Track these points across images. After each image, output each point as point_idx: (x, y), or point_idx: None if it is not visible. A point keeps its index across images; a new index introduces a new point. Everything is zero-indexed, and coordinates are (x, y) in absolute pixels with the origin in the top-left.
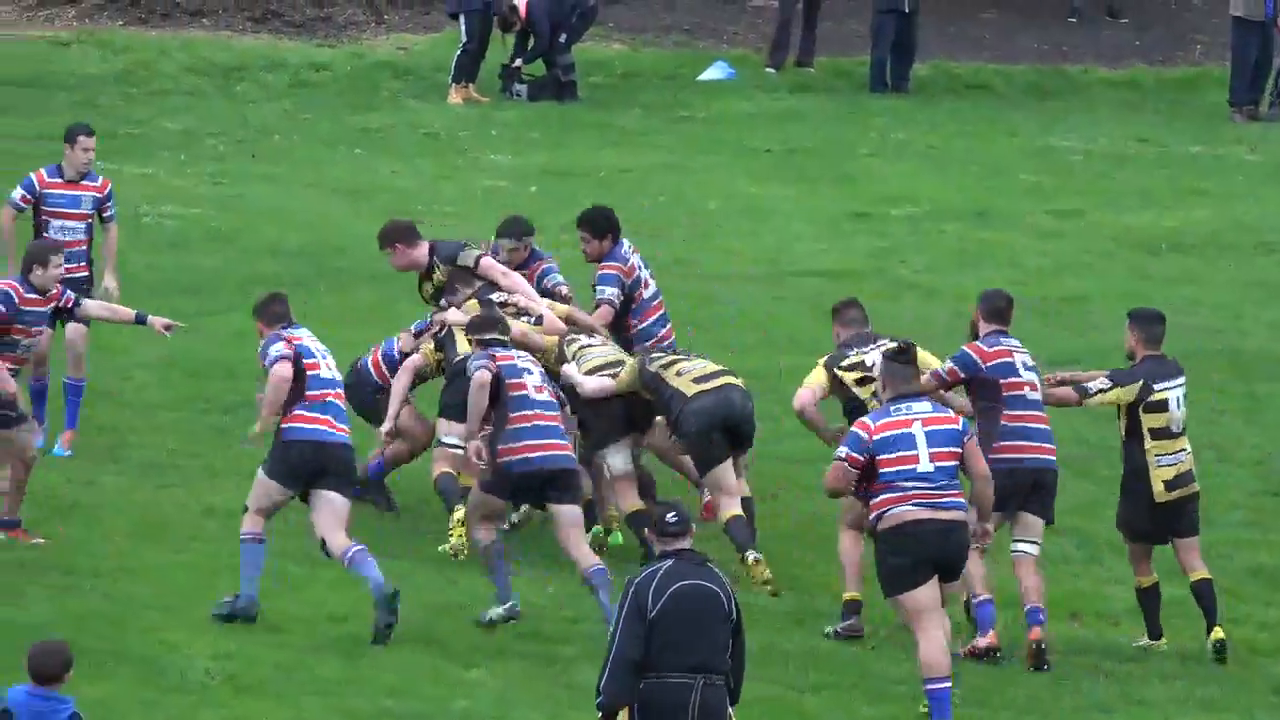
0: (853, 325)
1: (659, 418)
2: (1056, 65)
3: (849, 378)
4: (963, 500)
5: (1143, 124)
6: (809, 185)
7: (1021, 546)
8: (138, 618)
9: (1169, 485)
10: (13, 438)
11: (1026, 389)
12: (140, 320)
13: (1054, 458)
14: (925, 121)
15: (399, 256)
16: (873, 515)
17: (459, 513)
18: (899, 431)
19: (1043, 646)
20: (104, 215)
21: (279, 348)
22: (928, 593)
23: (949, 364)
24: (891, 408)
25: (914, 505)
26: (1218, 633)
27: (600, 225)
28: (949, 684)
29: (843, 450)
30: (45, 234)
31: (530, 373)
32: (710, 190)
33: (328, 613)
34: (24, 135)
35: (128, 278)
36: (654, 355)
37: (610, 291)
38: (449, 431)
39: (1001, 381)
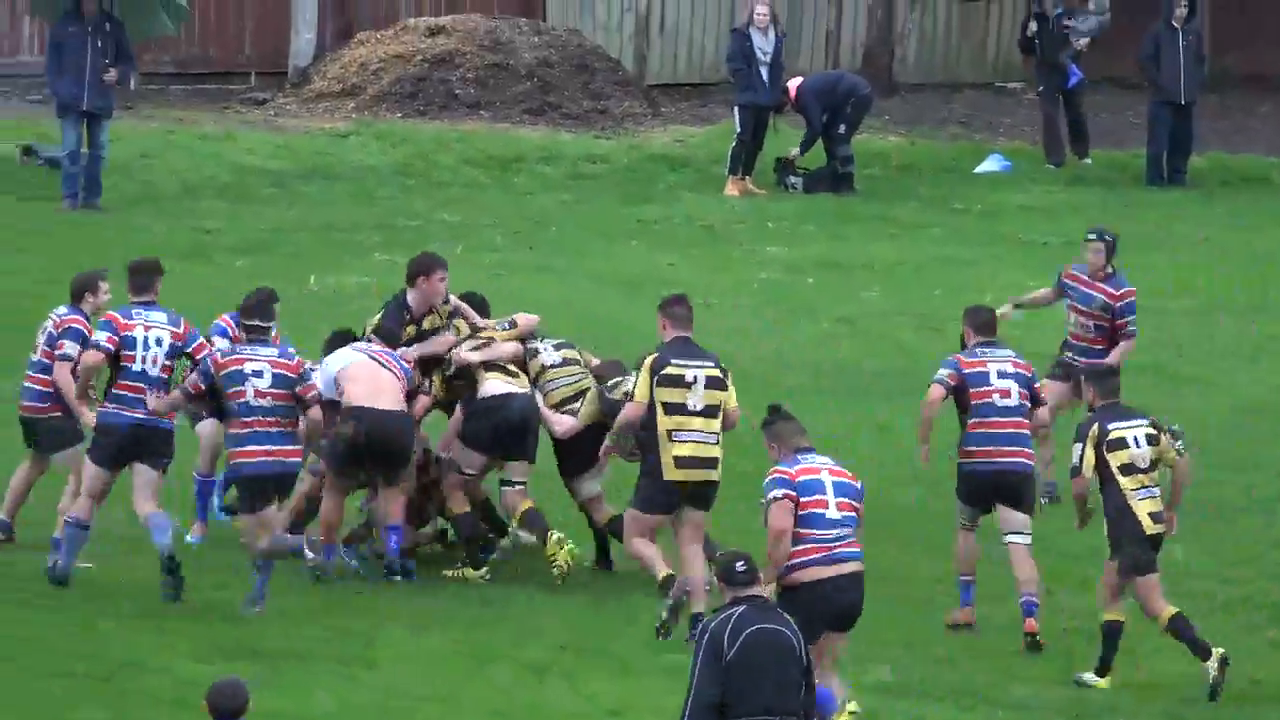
0: (679, 324)
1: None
2: None
3: (662, 396)
4: (859, 550)
5: None
6: None
7: (1012, 538)
8: (418, 709)
9: (1154, 518)
10: (78, 453)
11: (995, 396)
12: None
13: (1023, 460)
14: (1202, 214)
15: (440, 283)
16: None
17: (555, 535)
18: (813, 477)
19: (1037, 638)
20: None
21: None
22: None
23: (945, 371)
24: (800, 456)
25: (817, 561)
26: (1217, 652)
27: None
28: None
29: (778, 492)
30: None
31: (259, 375)
32: (986, 283)
33: (605, 706)
34: (309, 226)
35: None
36: (612, 382)
37: None
38: (469, 463)
39: (971, 390)
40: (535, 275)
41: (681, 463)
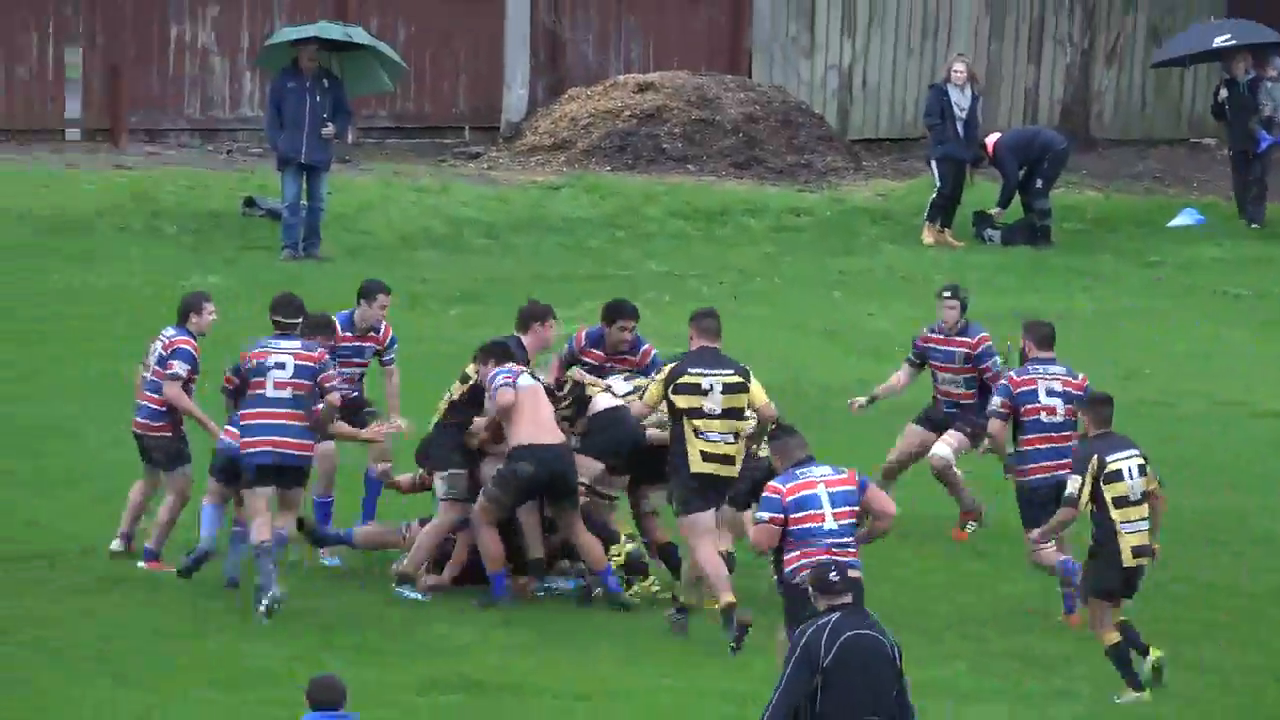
0: (706, 335)
1: None
2: None
3: (680, 402)
4: (859, 560)
5: None
6: (1277, 330)
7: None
8: None
9: (1135, 551)
10: (185, 474)
11: (1042, 413)
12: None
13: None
14: None
15: (554, 330)
16: (788, 569)
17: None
18: (808, 493)
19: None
20: (384, 360)
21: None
22: None
23: (998, 400)
24: (797, 471)
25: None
26: (1155, 652)
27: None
28: None
29: (764, 514)
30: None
31: (282, 368)
32: (1179, 333)
33: None
34: (518, 277)
35: None
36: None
37: None
38: (600, 479)
39: (1021, 408)
40: (739, 324)
41: (706, 457)
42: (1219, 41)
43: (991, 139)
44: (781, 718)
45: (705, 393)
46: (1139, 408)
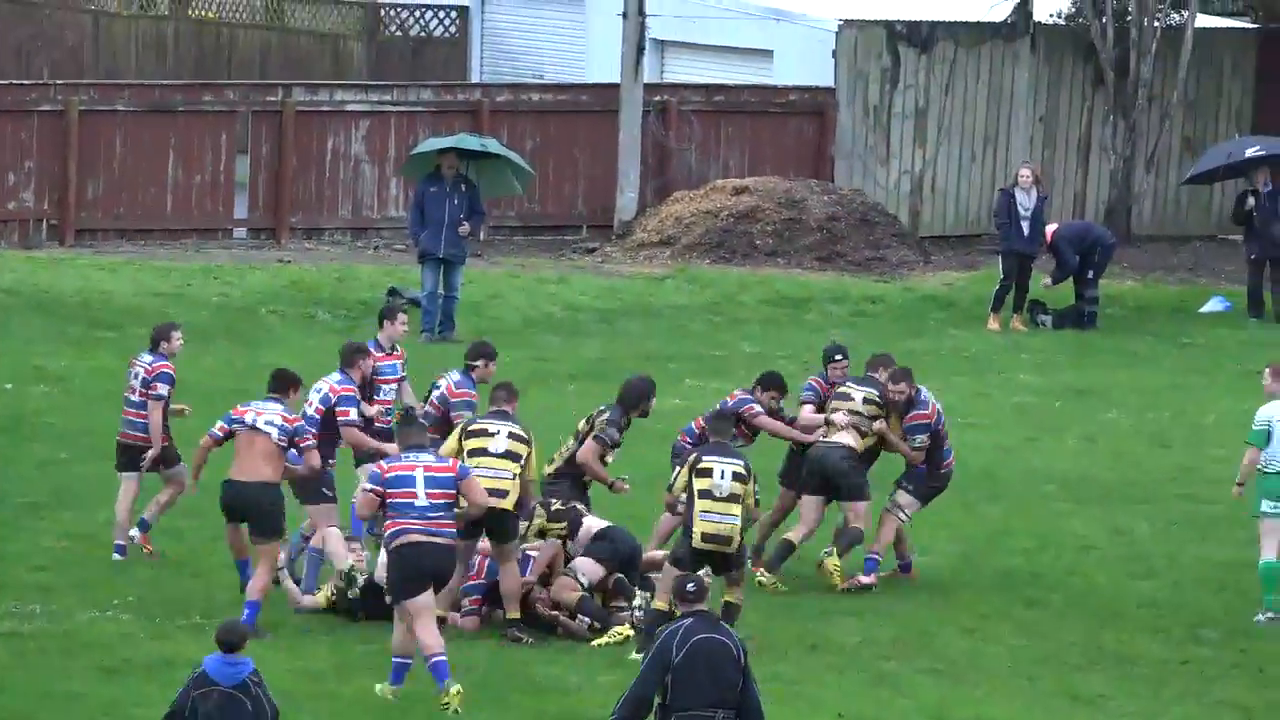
0: (495, 401)
1: None
2: None
3: (469, 445)
4: (453, 529)
5: None
6: None
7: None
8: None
9: (705, 537)
10: (177, 473)
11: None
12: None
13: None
14: None
15: None
16: (386, 534)
17: None
18: (403, 473)
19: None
20: (402, 376)
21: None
22: (425, 598)
23: (920, 437)
24: (403, 456)
25: (416, 531)
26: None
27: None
28: (444, 655)
29: (366, 485)
30: (375, 397)
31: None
32: (1208, 406)
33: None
34: (631, 356)
35: None
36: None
37: None
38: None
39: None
40: None
41: (490, 493)
42: (1251, 153)
43: (1050, 228)
44: (632, 706)
45: (491, 436)
46: (1172, 471)
